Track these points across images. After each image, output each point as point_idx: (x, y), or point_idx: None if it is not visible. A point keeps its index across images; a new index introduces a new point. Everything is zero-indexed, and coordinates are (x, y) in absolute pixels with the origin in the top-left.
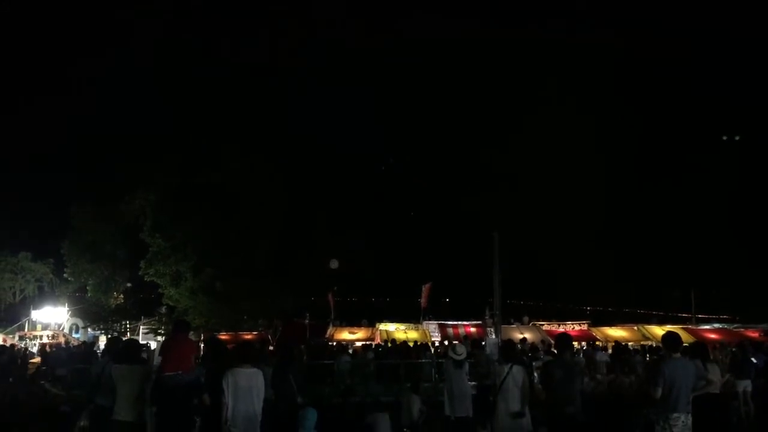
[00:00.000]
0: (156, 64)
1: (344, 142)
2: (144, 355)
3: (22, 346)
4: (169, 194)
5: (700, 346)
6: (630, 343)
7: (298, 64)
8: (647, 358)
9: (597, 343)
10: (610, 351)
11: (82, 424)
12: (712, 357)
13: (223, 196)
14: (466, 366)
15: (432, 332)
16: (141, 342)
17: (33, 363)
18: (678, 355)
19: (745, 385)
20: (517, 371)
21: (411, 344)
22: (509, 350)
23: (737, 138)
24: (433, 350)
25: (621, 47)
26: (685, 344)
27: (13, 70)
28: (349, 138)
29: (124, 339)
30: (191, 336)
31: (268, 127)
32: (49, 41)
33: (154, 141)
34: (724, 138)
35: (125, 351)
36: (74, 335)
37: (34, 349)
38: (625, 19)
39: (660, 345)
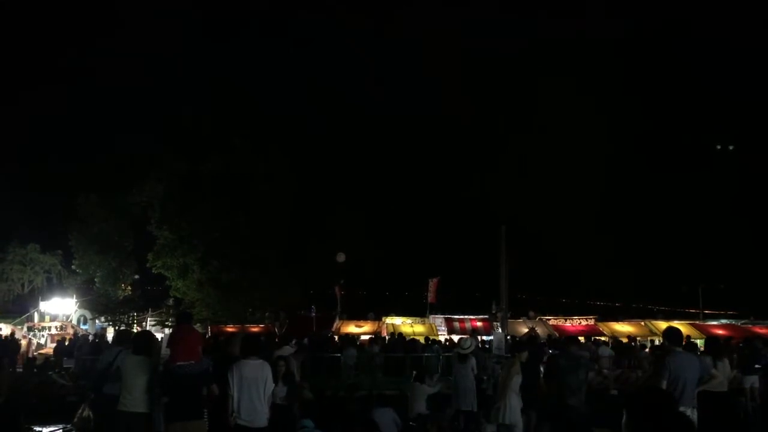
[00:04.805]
0: (157, 63)
1: (346, 140)
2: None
3: (31, 336)
4: (176, 186)
5: (712, 343)
6: (638, 338)
7: (301, 62)
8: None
9: (603, 338)
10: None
11: (84, 414)
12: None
13: (230, 189)
14: (472, 360)
15: (438, 326)
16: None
17: (42, 354)
18: (680, 349)
19: (753, 381)
20: None
21: (423, 341)
22: (519, 345)
23: (731, 147)
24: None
25: (624, 41)
26: (693, 340)
27: (14, 61)
28: (351, 135)
29: (133, 331)
30: (197, 327)
31: (275, 123)
32: (49, 39)
33: (161, 133)
34: (718, 147)
35: (140, 342)
36: (82, 327)
37: (42, 340)
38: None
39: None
